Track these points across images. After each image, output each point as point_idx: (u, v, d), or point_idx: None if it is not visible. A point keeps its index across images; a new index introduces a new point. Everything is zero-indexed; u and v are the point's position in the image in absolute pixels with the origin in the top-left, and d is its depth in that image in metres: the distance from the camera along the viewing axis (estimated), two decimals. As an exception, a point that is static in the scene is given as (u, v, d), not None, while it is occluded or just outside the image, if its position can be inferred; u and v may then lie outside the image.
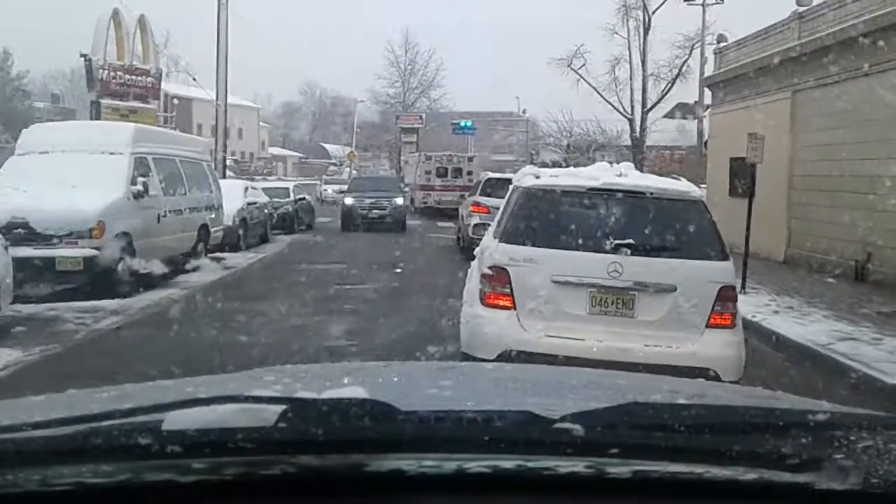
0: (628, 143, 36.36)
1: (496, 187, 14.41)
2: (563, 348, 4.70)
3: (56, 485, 1.00)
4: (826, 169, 14.10)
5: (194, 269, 12.12)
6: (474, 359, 4.89)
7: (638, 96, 35.62)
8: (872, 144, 12.76)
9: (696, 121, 22.53)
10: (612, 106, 35.79)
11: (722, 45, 19.86)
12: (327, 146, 71.77)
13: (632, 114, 36.24)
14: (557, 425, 1.08)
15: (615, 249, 4.91)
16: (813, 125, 14.68)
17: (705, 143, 21.42)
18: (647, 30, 36.02)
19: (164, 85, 44.93)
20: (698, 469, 1.07)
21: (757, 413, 1.32)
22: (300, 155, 73.43)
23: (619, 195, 5.11)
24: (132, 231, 10.07)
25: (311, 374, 1.71)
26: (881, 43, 12.54)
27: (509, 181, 7.59)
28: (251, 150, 69.07)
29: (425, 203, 27.42)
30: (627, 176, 5.36)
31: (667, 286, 4.92)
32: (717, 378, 4.62)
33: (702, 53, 21.98)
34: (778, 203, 16.05)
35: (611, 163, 6.15)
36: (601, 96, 35.95)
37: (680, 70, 36.04)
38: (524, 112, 50.81)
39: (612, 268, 4.90)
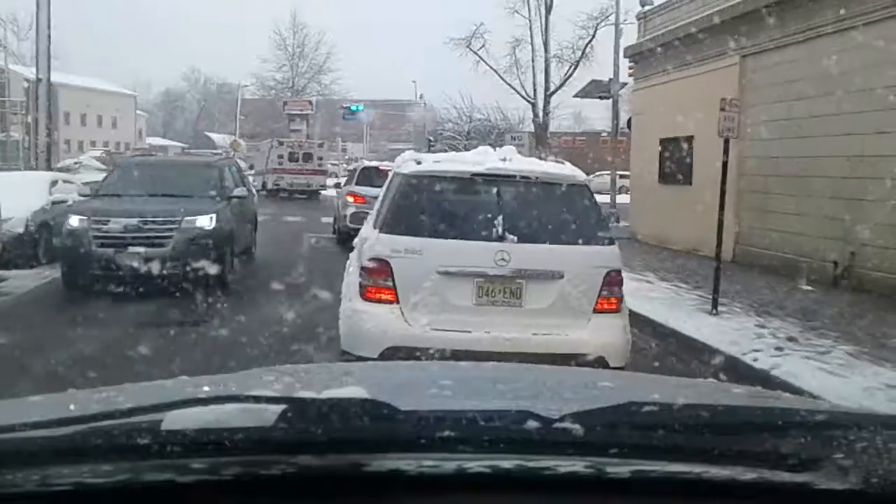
0: (531, 128, 33.89)
1: (372, 176, 14.25)
2: (449, 342, 4.50)
3: (56, 485, 1.00)
4: (787, 149, 11.33)
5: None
6: (355, 358, 4.67)
7: (540, 79, 33.42)
8: (850, 117, 10.03)
9: (612, 101, 19.63)
10: (514, 89, 33.62)
11: (647, 7, 16.92)
12: (213, 135, 66.81)
13: (534, 98, 33.80)
14: (557, 425, 1.09)
15: (501, 237, 4.77)
16: (768, 96, 11.87)
17: (628, 122, 18.53)
18: (548, 9, 33.76)
19: (23, 69, 40.23)
20: (698, 469, 1.08)
21: (756, 413, 1.34)
22: (183, 145, 68.04)
23: (504, 180, 4.99)
24: None
25: (310, 374, 1.70)
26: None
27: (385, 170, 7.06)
28: (126, 141, 62.94)
29: (278, 185, 29.76)
30: (511, 160, 5.15)
31: (554, 273, 4.84)
32: (604, 364, 4.54)
33: (616, 24, 19.16)
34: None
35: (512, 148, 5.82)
36: (502, 79, 33.65)
37: (584, 51, 34.33)
38: (421, 97, 47.67)
39: (498, 256, 4.75)
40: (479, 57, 34.04)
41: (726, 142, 8.52)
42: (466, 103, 38.53)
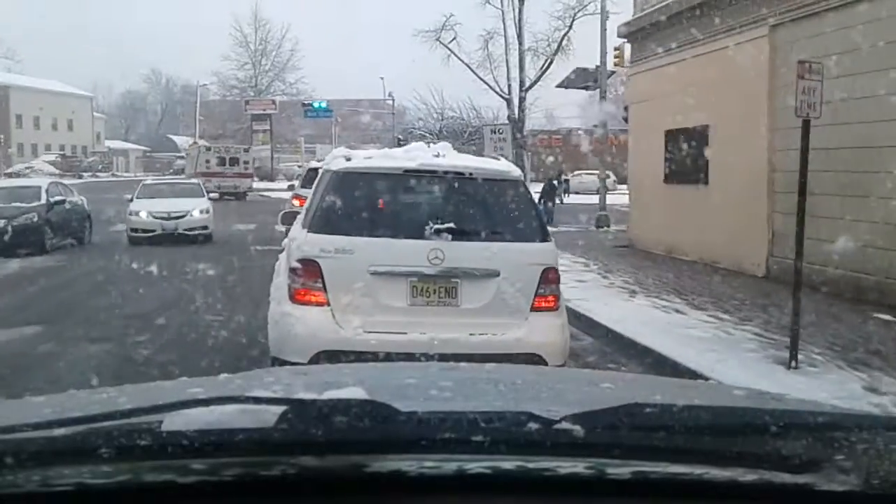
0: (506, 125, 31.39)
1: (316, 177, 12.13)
2: (383, 345, 4.39)
3: (56, 485, 0.99)
4: (838, 138, 8.90)
5: None
6: (285, 363, 4.49)
7: (515, 74, 30.96)
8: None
9: (598, 92, 17.14)
10: (488, 85, 31.16)
11: (645, -23, 14.39)
12: (176, 138, 63.95)
13: (509, 93, 31.29)
14: (558, 426, 1.08)
15: (435, 235, 4.62)
16: (810, 73, 9.12)
17: (624, 116, 16.01)
18: (522, -2, 31.26)
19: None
20: (699, 470, 1.07)
21: (757, 414, 1.30)
22: (144, 148, 64.45)
23: (437, 177, 4.83)
24: None
25: (310, 375, 1.67)
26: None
27: None
28: (83, 144, 59.43)
29: (206, 188, 31.34)
30: (445, 156, 5.00)
31: (490, 271, 4.70)
32: (543, 363, 4.46)
33: (602, 4, 16.71)
34: (752, 192, 10.63)
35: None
36: (475, 74, 31.25)
37: (560, 43, 32.05)
38: (390, 94, 44.95)
39: (432, 255, 4.60)
40: (450, 50, 31.89)
41: (806, 124, 5.95)
42: (437, 101, 36.21)
